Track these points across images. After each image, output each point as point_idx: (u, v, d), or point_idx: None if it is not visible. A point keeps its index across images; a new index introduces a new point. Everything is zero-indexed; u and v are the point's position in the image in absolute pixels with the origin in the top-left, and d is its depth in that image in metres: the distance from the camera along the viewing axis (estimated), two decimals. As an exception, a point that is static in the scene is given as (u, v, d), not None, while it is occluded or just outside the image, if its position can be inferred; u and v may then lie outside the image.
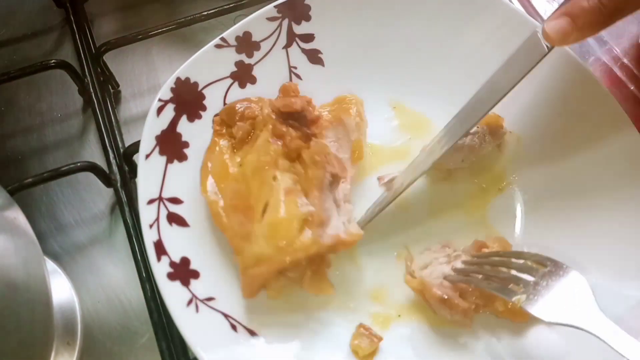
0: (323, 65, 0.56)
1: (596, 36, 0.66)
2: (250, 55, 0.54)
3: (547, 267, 0.43)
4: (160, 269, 0.44)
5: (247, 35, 0.54)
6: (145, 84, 0.64)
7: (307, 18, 0.55)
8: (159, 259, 0.45)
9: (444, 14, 0.56)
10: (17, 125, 0.61)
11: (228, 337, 0.44)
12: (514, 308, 0.44)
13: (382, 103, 0.55)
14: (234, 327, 0.45)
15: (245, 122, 0.49)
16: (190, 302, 0.44)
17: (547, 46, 0.45)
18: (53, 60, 0.59)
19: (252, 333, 0.45)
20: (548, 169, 0.53)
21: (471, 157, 0.54)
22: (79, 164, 0.53)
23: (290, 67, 0.55)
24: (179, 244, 0.46)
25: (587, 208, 0.50)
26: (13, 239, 0.39)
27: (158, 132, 0.49)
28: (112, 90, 0.63)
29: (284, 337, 0.46)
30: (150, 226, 0.46)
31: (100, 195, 0.57)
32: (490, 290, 0.44)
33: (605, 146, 0.51)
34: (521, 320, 0.46)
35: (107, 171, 0.56)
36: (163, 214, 0.47)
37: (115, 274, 0.53)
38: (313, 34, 0.56)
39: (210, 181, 0.47)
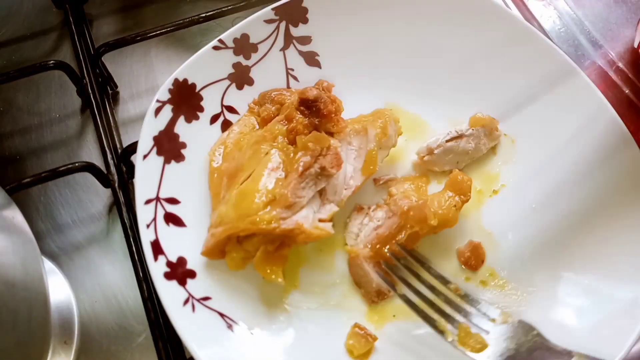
0: (320, 67, 0.56)
1: (592, 40, 0.67)
2: (247, 57, 0.54)
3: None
4: (157, 269, 0.45)
5: (244, 37, 0.54)
6: (144, 85, 0.64)
7: (305, 20, 0.56)
8: (156, 258, 0.45)
9: (441, 17, 0.56)
10: (16, 126, 0.62)
11: (224, 336, 0.44)
12: (444, 217, 0.47)
13: (378, 105, 0.55)
14: (229, 327, 0.45)
15: (273, 105, 0.51)
16: (186, 301, 0.44)
17: None
18: (52, 61, 0.59)
19: (247, 332, 0.45)
20: (542, 171, 0.53)
21: (466, 160, 0.54)
22: (77, 164, 0.54)
23: (287, 69, 0.56)
24: (175, 243, 0.47)
25: (581, 211, 0.50)
26: (11, 238, 0.40)
27: (156, 133, 0.50)
28: (110, 91, 0.63)
29: (280, 337, 0.46)
30: (148, 226, 0.46)
31: (97, 195, 0.57)
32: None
33: (599, 150, 0.51)
34: (452, 226, 0.48)
35: (105, 171, 0.56)
36: (160, 214, 0.47)
37: (113, 274, 0.54)
38: (310, 37, 0.56)
39: (221, 147, 0.50)
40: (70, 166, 0.53)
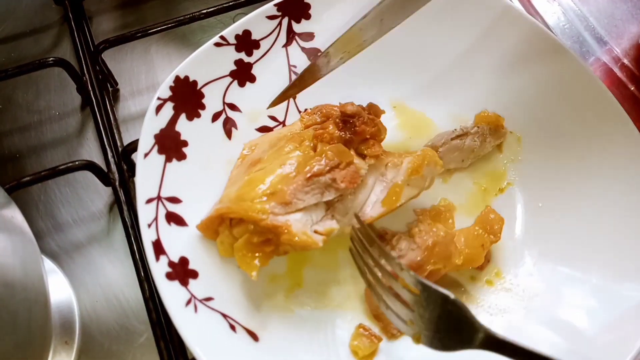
0: (323, 64, 0.56)
1: (596, 36, 0.66)
2: (249, 54, 0.54)
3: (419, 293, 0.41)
4: (158, 269, 0.44)
5: (246, 33, 0.53)
6: (144, 82, 0.64)
7: (307, 16, 0.55)
8: (157, 258, 0.44)
9: (445, 14, 0.56)
10: (15, 123, 0.61)
11: (227, 337, 0.44)
12: (470, 257, 0.47)
13: (382, 102, 0.55)
14: (232, 327, 0.44)
15: (321, 117, 0.50)
16: (189, 302, 0.44)
17: None
18: (51, 58, 0.58)
19: (250, 333, 0.45)
20: (548, 169, 0.53)
21: (472, 158, 0.54)
22: (77, 163, 0.53)
23: (290, 65, 0.55)
24: (177, 243, 0.46)
25: (587, 208, 0.50)
26: (10, 237, 0.39)
27: (157, 131, 0.49)
28: (110, 89, 0.62)
29: (283, 338, 0.46)
30: (149, 225, 0.45)
31: (98, 194, 0.57)
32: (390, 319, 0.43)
33: (606, 147, 0.51)
34: (477, 265, 0.48)
35: (106, 170, 0.56)
36: (162, 213, 0.47)
37: (114, 273, 0.53)
38: (313, 33, 0.55)
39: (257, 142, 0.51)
40: (70, 164, 0.53)
